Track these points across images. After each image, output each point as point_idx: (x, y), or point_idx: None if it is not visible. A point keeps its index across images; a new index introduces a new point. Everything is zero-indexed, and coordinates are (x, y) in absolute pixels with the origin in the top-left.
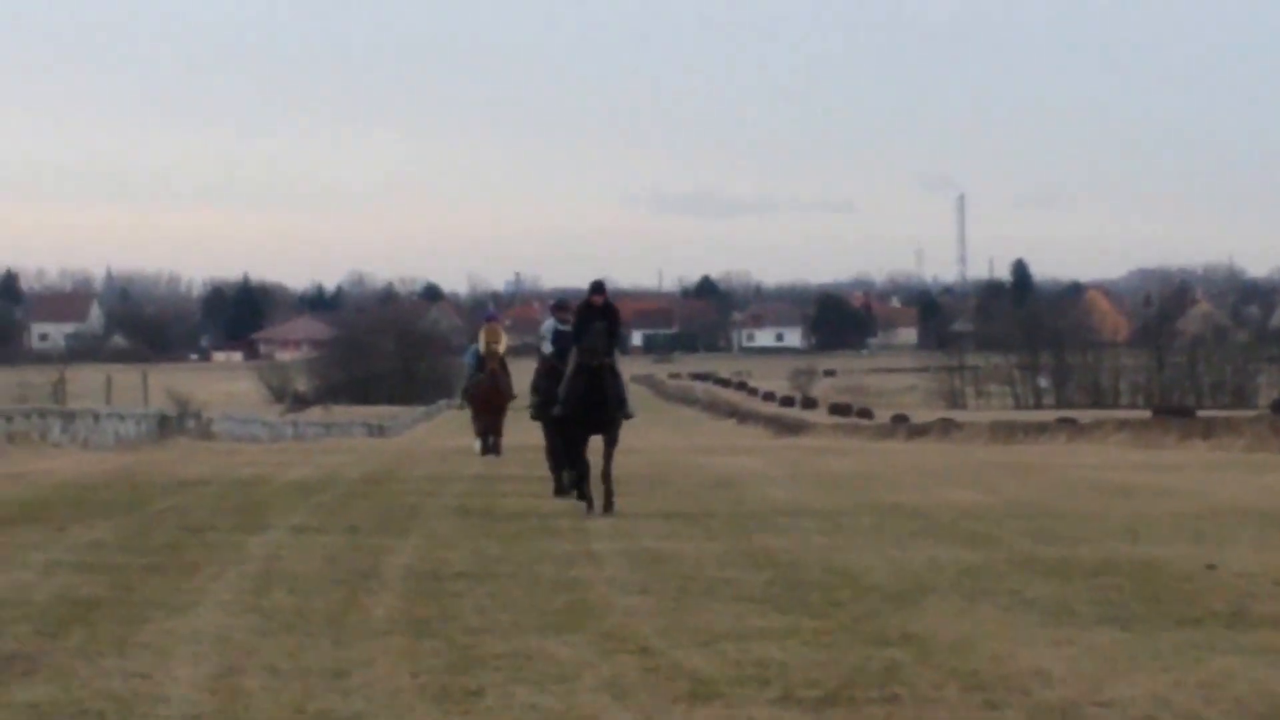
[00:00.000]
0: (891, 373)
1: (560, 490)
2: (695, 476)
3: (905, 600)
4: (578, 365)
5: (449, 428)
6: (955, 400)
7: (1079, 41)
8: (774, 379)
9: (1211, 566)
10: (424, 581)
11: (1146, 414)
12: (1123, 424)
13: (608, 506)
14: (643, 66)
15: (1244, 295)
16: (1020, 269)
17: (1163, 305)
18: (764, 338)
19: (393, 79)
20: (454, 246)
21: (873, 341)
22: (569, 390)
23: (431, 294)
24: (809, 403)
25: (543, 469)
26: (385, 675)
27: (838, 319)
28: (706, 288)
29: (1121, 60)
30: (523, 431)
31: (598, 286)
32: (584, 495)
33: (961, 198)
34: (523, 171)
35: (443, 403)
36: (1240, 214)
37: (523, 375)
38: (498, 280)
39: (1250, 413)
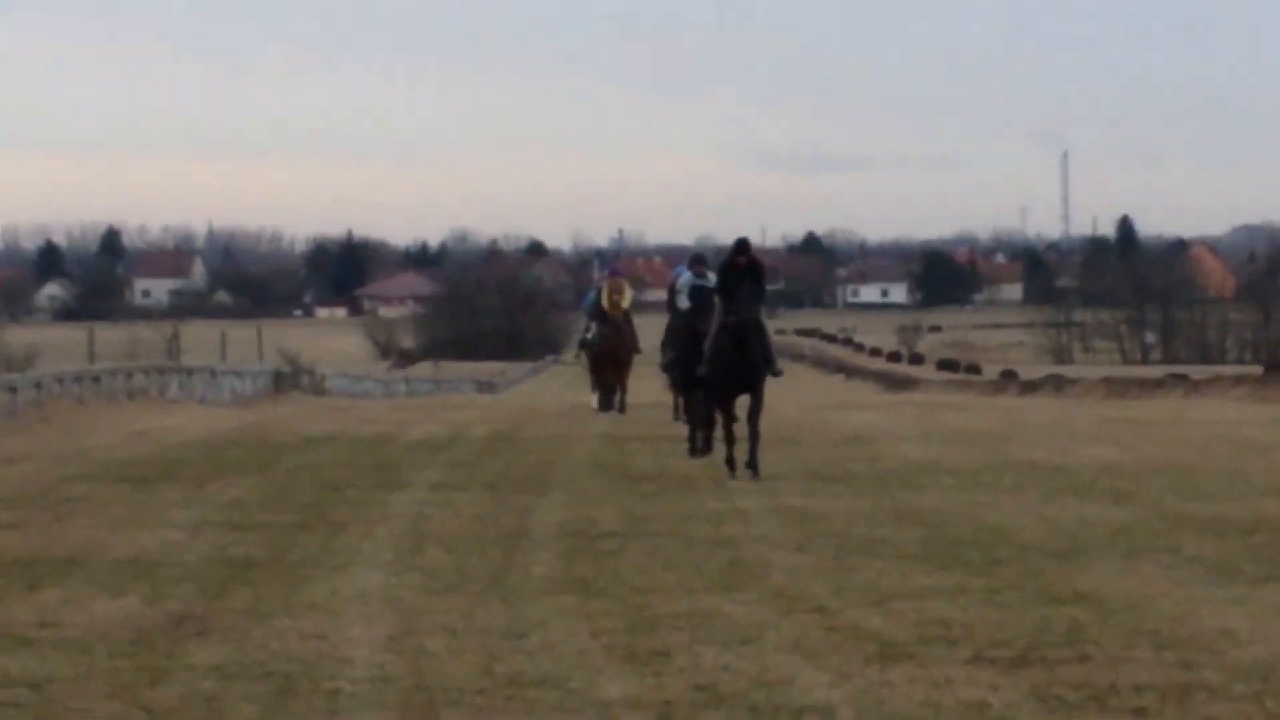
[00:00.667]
0: (997, 328)
1: (695, 450)
2: (824, 433)
3: (1066, 558)
4: (723, 324)
5: (558, 383)
6: (1062, 356)
7: None
8: (880, 334)
9: None
10: (577, 540)
11: (1257, 369)
12: (1240, 379)
13: (752, 466)
14: (745, 21)
15: None
16: (1125, 225)
17: (1269, 261)
18: (869, 294)
19: (494, 33)
20: (557, 203)
21: (977, 298)
22: (715, 349)
23: (536, 250)
24: (916, 358)
25: (671, 427)
26: (565, 636)
27: (942, 275)
28: (811, 244)
29: (1221, 18)
30: (645, 389)
31: (743, 245)
32: (728, 459)
33: (1065, 154)
34: (626, 127)
35: (550, 358)
36: None
37: (646, 331)
38: (601, 237)
39: None
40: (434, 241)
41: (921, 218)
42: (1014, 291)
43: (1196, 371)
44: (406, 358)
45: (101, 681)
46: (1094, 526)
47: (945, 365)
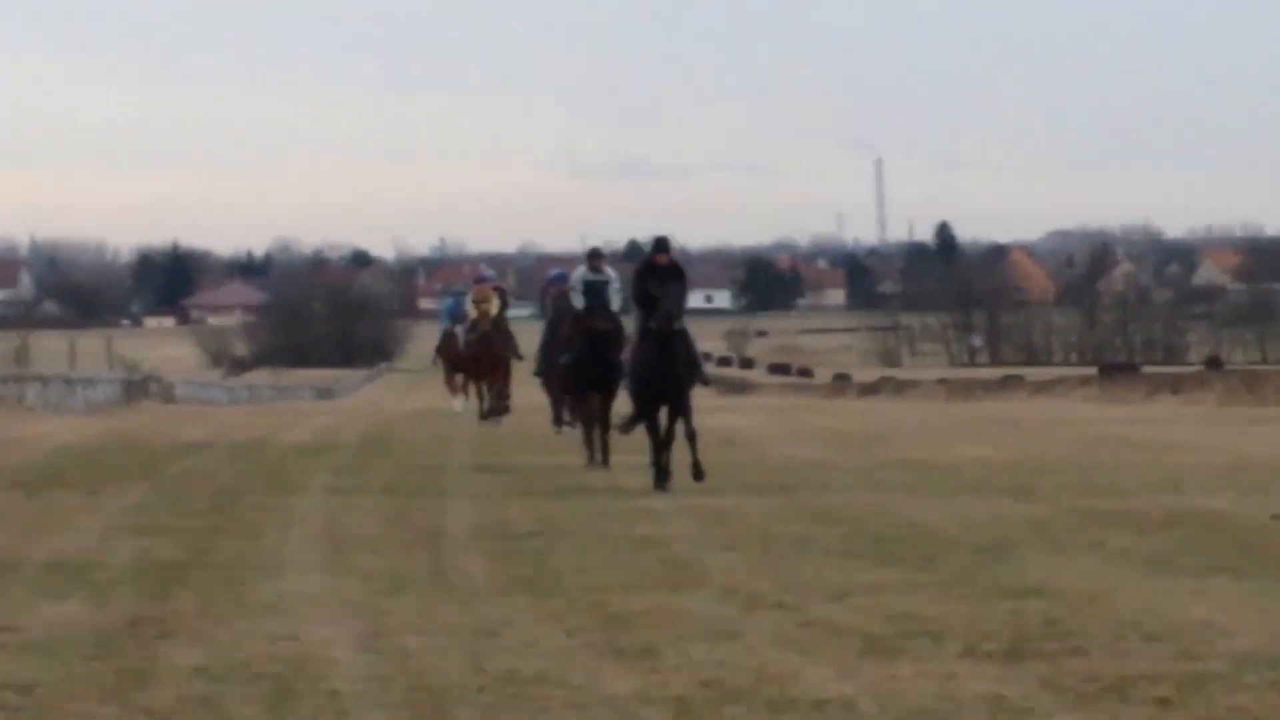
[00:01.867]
0: (823, 333)
1: (594, 459)
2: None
3: (997, 553)
4: (644, 330)
5: (395, 389)
6: (890, 359)
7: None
8: (708, 339)
9: (1277, 518)
10: (499, 541)
11: (1089, 371)
12: (1084, 380)
13: (696, 471)
14: (563, 31)
15: (1164, 255)
16: (944, 231)
17: (1092, 265)
18: (693, 299)
19: (313, 43)
20: (379, 212)
21: (801, 303)
22: (639, 359)
23: (361, 259)
24: (746, 363)
25: (544, 428)
26: (540, 634)
27: (766, 281)
28: (633, 251)
29: (1031, 22)
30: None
31: (663, 244)
32: (666, 469)
33: (880, 161)
34: (444, 136)
35: (383, 365)
36: (1157, 175)
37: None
38: (423, 245)
39: (1190, 367)
40: (258, 251)
41: (740, 225)
42: (837, 296)
43: (1030, 373)
44: (239, 366)
45: (87, 684)
46: (1010, 522)
47: (777, 369)
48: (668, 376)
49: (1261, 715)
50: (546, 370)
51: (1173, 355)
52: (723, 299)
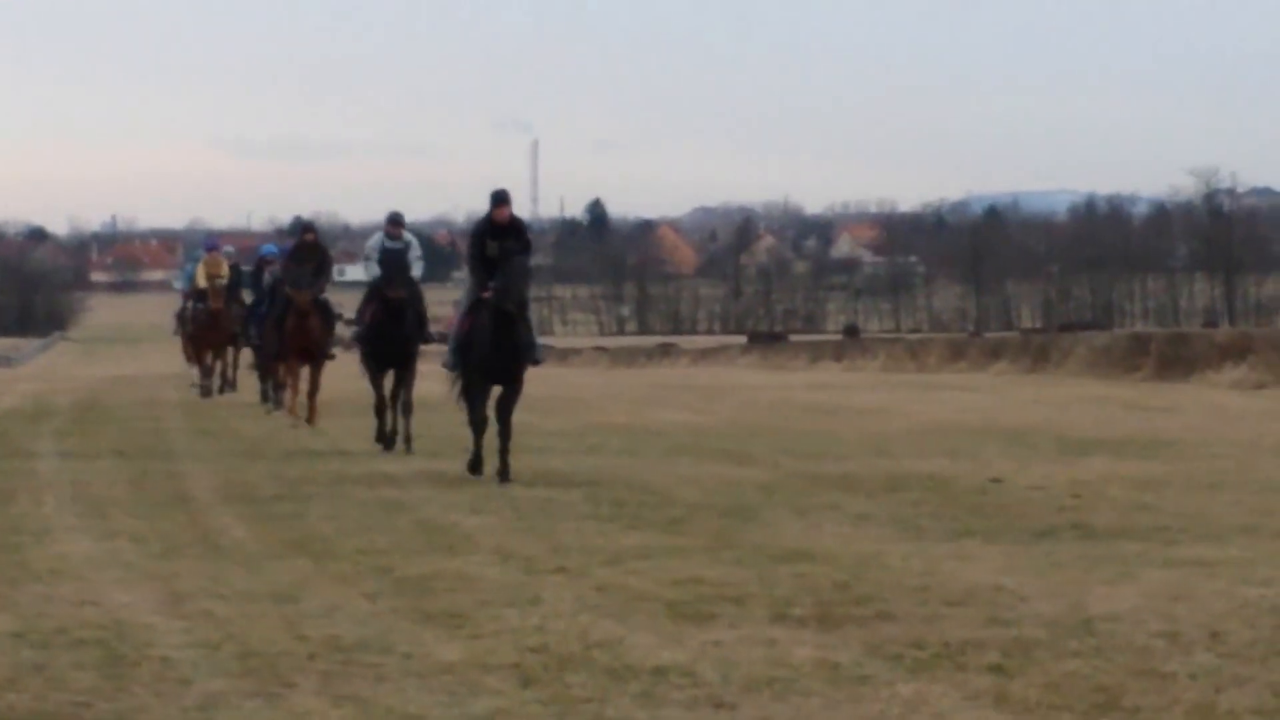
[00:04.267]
0: None
1: (382, 438)
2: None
3: (744, 516)
4: (479, 302)
5: (69, 357)
6: (543, 329)
7: None
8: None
9: (996, 480)
10: (250, 504)
11: (739, 339)
12: (745, 349)
13: (503, 471)
14: (223, 12)
15: (802, 229)
16: (596, 207)
17: (733, 239)
18: (354, 272)
19: None
20: (53, 189)
21: (457, 275)
22: (477, 337)
23: (37, 235)
24: None
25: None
26: (341, 600)
27: (425, 255)
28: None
29: (680, 8)
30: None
31: (501, 196)
32: (476, 455)
33: (535, 142)
34: (115, 116)
35: (57, 334)
36: (796, 154)
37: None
38: (95, 221)
39: (831, 336)
40: None
41: (400, 203)
42: None
43: (682, 341)
44: None
45: None
46: (739, 486)
47: (443, 338)
48: (505, 354)
49: (1102, 683)
50: (259, 343)
51: (813, 324)
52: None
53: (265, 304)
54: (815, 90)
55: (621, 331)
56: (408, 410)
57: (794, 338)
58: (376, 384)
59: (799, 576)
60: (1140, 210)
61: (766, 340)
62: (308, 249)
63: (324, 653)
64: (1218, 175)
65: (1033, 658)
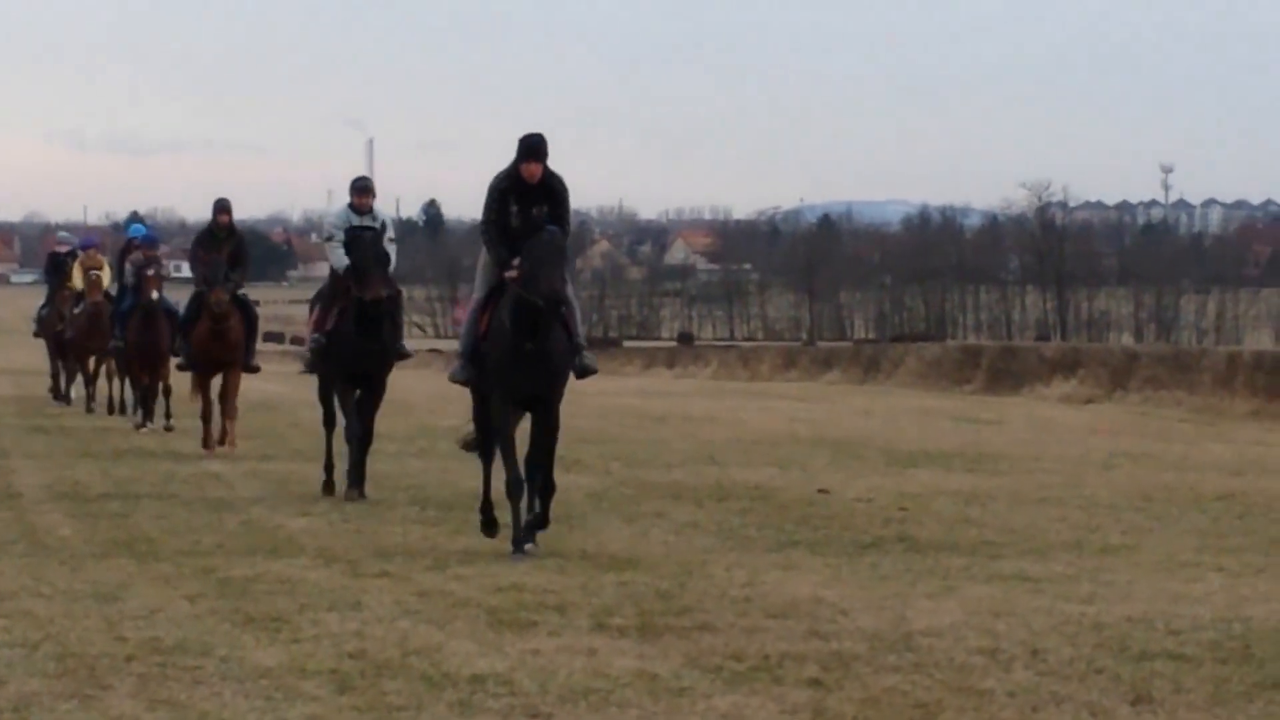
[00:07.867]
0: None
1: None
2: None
3: (570, 523)
4: (501, 293)
5: None
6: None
7: None
8: None
9: (824, 491)
10: (77, 502)
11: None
12: None
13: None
14: (61, 5)
15: (638, 235)
16: (431, 208)
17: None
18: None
19: None
20: None
21: (293, 274)
22: (494, 340)
23: None
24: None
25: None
26: (161, 601)
27: (261, 253)
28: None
29: (511, 10)
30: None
31: (535, 145)
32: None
33: (371, 141)
34: None
35: None
36: (630, 160)
37: None
38: None
39: (663, 342)
40: None
41: (236, 200)
42: (325, 269)
43: None
44: None
45: None
46: (568, 492)
47: (271, 337)
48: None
49: (920, 699)
50: (121, 344)
51: (647, 330)
52: None
53: (129, 299)
54: (651, 96)
55: (457, 335)
56: (366, 441)
57: (627, 343)
58: (344, 408)
59: (622, 585)
60: (973, 222)
61: (600, 346)
62: (222, 233)
63: (142, 654)
64: (1050, 189)
65: (851, 672)
